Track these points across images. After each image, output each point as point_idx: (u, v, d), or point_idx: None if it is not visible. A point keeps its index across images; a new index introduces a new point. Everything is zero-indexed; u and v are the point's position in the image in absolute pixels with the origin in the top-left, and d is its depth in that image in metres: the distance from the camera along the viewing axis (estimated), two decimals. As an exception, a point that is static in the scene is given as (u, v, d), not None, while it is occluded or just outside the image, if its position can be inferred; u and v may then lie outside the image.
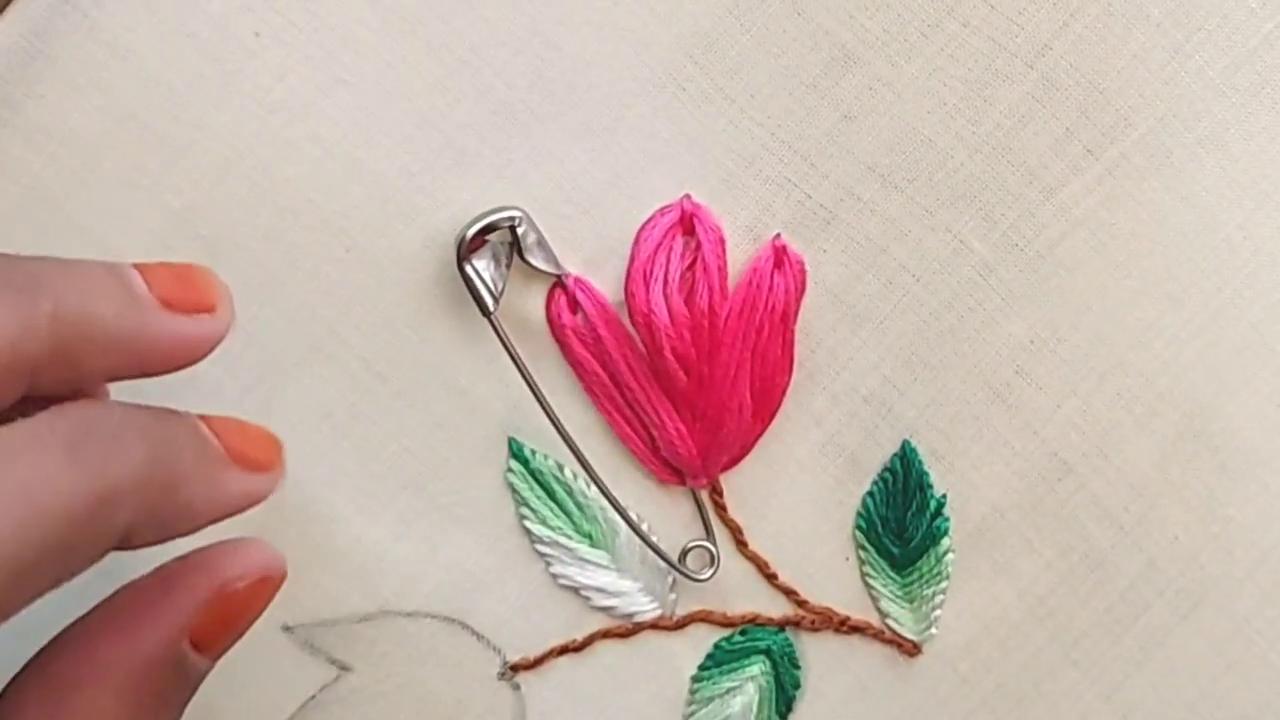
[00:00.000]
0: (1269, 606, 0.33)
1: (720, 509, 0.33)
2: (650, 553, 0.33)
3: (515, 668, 0.34)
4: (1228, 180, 0.31)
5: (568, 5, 0.31)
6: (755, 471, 0.33)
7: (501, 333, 0.31)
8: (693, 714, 0.34)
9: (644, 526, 0.33)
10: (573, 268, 0.32)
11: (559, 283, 0.32)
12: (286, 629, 0.33)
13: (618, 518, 0.33)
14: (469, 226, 0.30)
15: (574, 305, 0.31)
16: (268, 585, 0.27)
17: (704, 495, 0.33)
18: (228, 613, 0.26)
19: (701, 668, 0.34)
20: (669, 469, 0.33)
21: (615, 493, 0.32)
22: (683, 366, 0.31)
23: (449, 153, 0.31)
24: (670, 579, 0.33)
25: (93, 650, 0.25)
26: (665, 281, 0.31)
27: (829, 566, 0.33)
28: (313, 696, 0.34)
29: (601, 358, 0.32)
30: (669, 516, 0.33)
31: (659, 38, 0.31)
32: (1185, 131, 0.31)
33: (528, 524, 0.33)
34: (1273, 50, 0.31)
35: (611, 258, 0.32)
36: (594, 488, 0.33)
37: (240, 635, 0.27)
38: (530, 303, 0.32)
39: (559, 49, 0.31)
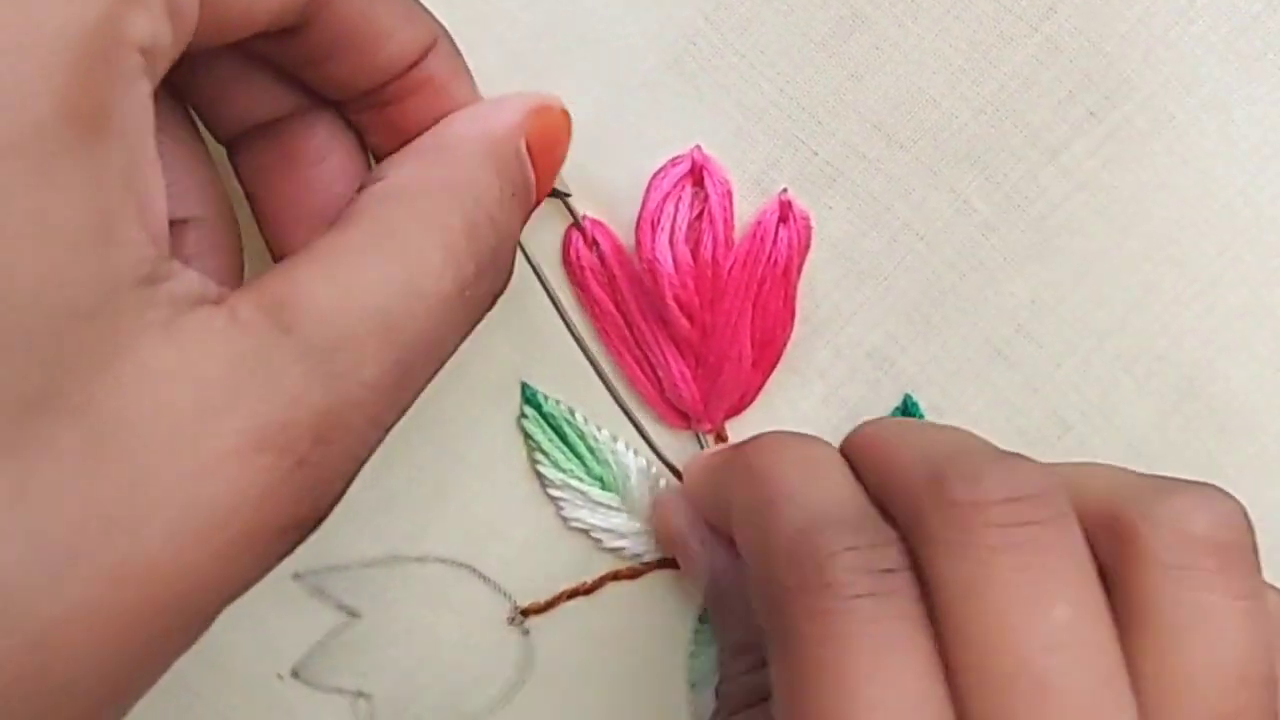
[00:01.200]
0: (1266, 569, 0.33)
1: (727, 458, 0.33)
2: (661, 495, 0.33)
3: (525, 612, 0.34)
4: (1230, 145, 0.31)
5: (582, -41, 0.31)
6: (759, 422, 0.33)
7: (529, 256, 0.31)
8: (697, 655, 0.34)
9: (652, 470, 0.33)
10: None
11: (575, 225, 0.32)
12: (296, 576, 0.34)
13: (629, 461, 0.33)
14: None
15: (591, 246, 0.32)
16: (568, 121, 0.29)
17: (710, 442, 0.33)
18: (550, 126, 0.29)
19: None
20: (676, 412, 0.33)
21: (625, 435, 0.33)
22: (685, 313, 0.31)
23: (463, 100, 0.31)
24: (679, 520, 0.34)
25: (449, 127, 0.27)
26: (672, 230, 0.31)
27: (832, 517, 0.34)
28: (321, 642, 0.34)
29: (615, 298, 0.32)
30: (677, 462, 0.33)
31: (671, -8, 0.31)
32: (1188, 95, 0.31)
33: (540, 468, 0.33)
34: (1276, 15, 0.31)
35: (624, 205, 0.32)
36: (605, 430, 0.33)
37: (555, 167, 0.29)
38: (539, 249, 0.32)
39: (571, 1, 0.31)
